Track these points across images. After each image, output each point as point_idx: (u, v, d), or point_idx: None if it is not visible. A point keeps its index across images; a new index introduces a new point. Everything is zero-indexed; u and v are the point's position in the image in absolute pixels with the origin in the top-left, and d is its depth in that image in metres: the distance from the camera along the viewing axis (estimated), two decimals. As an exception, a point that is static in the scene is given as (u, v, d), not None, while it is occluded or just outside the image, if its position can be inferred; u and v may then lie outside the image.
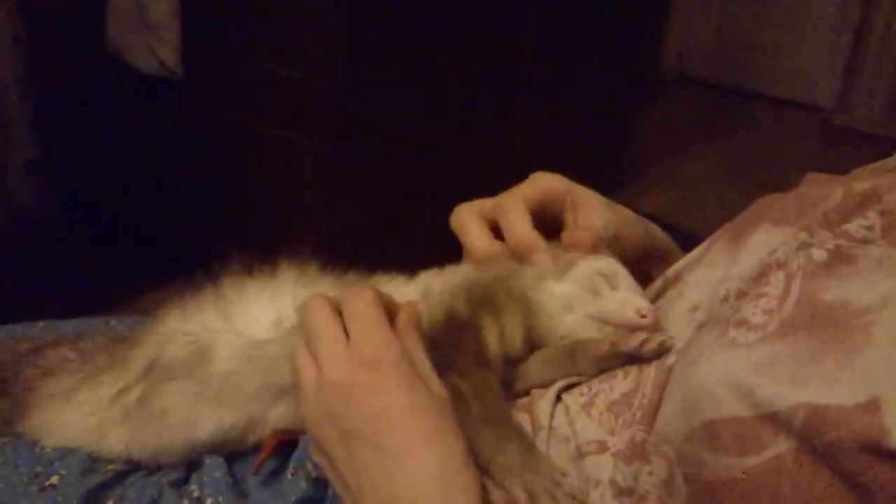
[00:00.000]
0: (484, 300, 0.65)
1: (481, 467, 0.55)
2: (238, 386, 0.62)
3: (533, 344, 0.65)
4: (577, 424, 0.59)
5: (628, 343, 0.60)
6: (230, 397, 0.62)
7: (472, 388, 0.59)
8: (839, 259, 0.52)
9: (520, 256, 0.67)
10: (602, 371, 0.62)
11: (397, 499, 0.52)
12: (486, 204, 0.70)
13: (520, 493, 0.55)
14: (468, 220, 0.69)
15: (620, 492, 0.55)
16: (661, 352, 0.59)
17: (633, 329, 0.62)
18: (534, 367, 0.64)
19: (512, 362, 0.65)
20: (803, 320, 0.49)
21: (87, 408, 0.64)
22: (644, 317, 0.62)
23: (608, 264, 0.66)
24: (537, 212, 0.69)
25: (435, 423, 0.54)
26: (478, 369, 0.62)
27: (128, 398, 0.63)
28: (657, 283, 0.69)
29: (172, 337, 0.64)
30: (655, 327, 0.63)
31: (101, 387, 0.64)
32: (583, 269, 0.65)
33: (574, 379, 0.63)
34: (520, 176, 0.72)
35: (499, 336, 0.64)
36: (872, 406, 0.42)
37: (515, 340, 0.64)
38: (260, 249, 0.65)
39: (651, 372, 0.59)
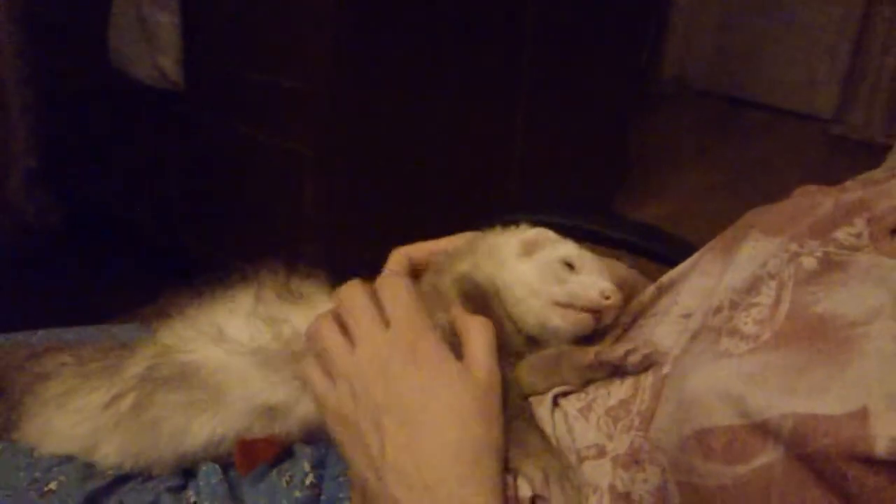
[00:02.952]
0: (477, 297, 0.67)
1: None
2: (229, 398, 0.63)
3: (520, 330, 0.66)
4: (575, 430, 0.60)
5: (612, 353, 0.60)
6: (222, 409, 0.63)
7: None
8: (828, 267, 0.53)
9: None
10: (587, 381, 0.62)
11: (419, 470, 0.54)
12: (422, 248, 0.72)
13: (535, 473, 0.56)
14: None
15: (618, 497, 0.55)
16: (646, 365, 0.59)
17: (597, 310, 0.63)
18: (522, 374, 0.65)
19: (515, 354, 0.66)
20: (794, 333, 0.50)
21: (81, 415, 0.64)
22: (608, 297, 0.63)
23: (571, 249, 0.68)
24: None
25: (466, 405, 0.56)
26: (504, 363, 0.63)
27: (121, 405, 0.63)
28: (651, 290, 0.69)
29: (167, 350, 0.64)
30: (618, 309, 0.64)
31: (94, 392, 0.65)
32: (548, 254, 0.67)
33: (568, 386, 0.63)
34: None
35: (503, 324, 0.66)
36: (861, 415, 0.43)
37: (508, 326, 0.66)
38: (261, 260, 0.66)
39: (649, 378, 0.59)
